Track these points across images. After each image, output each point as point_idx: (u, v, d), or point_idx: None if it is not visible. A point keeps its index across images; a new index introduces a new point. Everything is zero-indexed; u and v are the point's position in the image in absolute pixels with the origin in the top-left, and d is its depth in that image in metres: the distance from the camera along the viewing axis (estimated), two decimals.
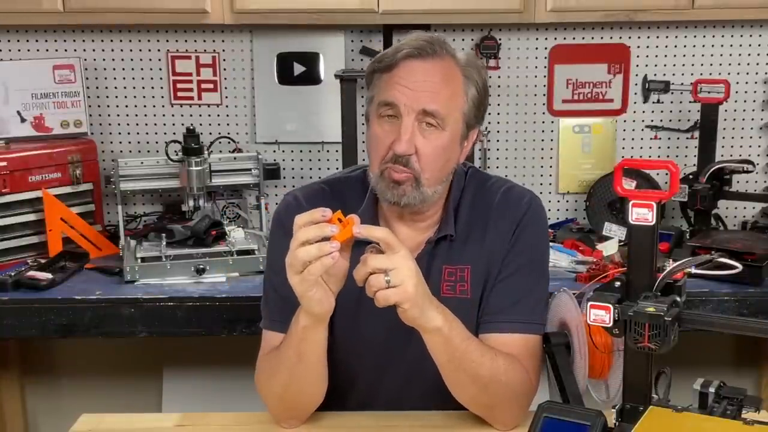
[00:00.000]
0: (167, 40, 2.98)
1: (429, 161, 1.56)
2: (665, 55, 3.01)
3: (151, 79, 3.01)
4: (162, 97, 3.02)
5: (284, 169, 3.00)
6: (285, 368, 1.57)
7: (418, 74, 1.55)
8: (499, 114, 3.05)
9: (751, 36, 2.99)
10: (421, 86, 1.55)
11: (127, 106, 3.03)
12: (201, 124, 3.00)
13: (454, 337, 1.50)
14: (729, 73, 3.00)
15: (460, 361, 1.52)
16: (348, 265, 1.46)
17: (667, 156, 3.06)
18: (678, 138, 3.06)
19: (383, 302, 1.41)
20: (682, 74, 3.01)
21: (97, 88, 3.00)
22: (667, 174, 1.24)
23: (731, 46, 3.00)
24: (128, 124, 3.04)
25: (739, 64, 3.01)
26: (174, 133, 2.99)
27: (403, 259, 1.40)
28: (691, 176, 2.75)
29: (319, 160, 3.06)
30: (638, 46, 3.01)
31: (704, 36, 2.99)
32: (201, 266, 2.49)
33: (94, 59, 2.98)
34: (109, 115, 3.03)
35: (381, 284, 1.39)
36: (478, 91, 1.61)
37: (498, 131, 3.06)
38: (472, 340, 1.54)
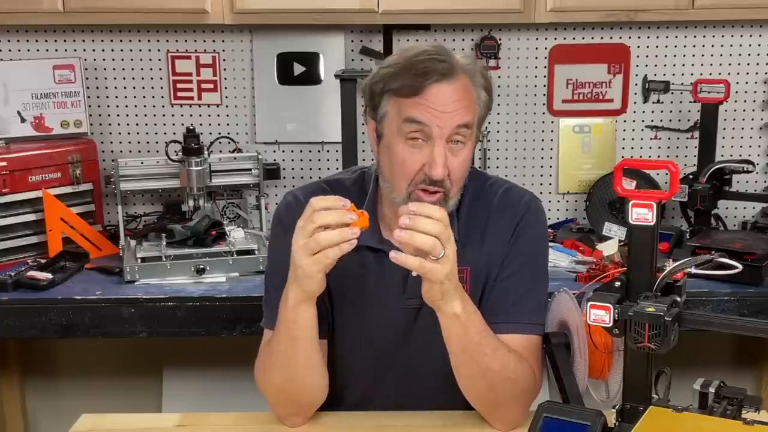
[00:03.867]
0: (167, 40, 2.98)
1: (458, 177, 1.58)
2: (665, 55, 3.01)
3: (151, 79, 3.01)
4: (162, 97, 3.02)
5: (284, 169, 3.00)
6: (281, 356, 1.57)
7: (446, 96, 1.53)
8: (499, 114, 3.04)
9: (751, 36, 2.99)
10: (452, 107, 1.53)
11: (127, 106, 3.03)
12: (201, 124, 3.00)
13: (470, 327, 1.50)
14: (729, 73, 3.00)
15: (473, 353, 1.52)
16: None
17: (667, 156, 3.06)
18: (678, 138, 3.06)
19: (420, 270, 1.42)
20: (682, 74, 3.01)
21: (97, 88, 3.00)
22: (667, 174, 1.24)
23: (731, 46, 3.00)
24: (128, 124, 3.04)
25: (739, 64, 3.01)
26: (174, 133, 2.99)
27: (452, 243, 1.42)
28: (691, 176, 2.75)
29: (319, 160, 3.06)
30: (638, 46, 3.01)
31: (704, 36, 2.99)
32: (201, 266, 2.49)
33: (94, 59, 2.98)
34: (109, 115, 3.03)
35: (436, 250, 1.39)
36: (488, 93, 1.62)
37: (498, 131, 3.06)
38: (488, 335, 1.54)
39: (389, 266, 1.63)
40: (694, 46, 3.00)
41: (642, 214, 1.22)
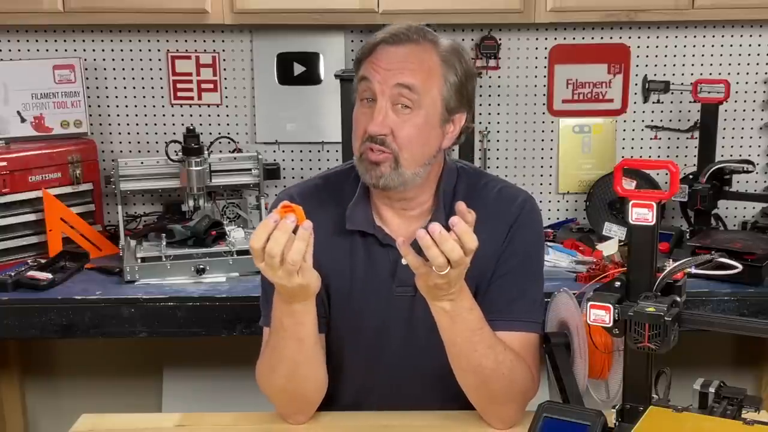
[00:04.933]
0: (167, 40, 2.98)
1: (406, 141, 1.57)
2: (665, 55, 3.01)
3: (151, 79, 3.01)
4: (162, 97, 3.02)
5: (284, 169, 3.00)
6: (286, 359, 1.57)
7: (392, 57, 1.58)
8: (499, 114, 3.05)
9: (751, 36, 2.99)
10: (396, 66, 1.57)
11: (127, 106, 3.03)
12: (201, 124, 3.00)
13: (459, 323, 1.50)
14: (729, 73, 3.00)
15: (462, 348, 1.52)
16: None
17: (667, 156, 3.06)
18: (678, 138, 3.06)
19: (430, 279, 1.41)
20: (682, 74, 3.01)
21: (97, 88, 3.00)
22: (667, 174, 1.24)
23: (731, 46, 3.00)
24: (128, 124, 3.04)
25: (739, 64, 3.01)
26: (174, 133, 2.99)
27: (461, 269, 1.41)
28: (691, 176, 2.75)
29: (319, 160, 3.06)
30: (638, 46, 3.01)
31: (704, 36, 2.99)
32: (201, 266, 2.49)
33: (94, 59, 2.98)
34: (109, 115, 3.03)
35: (442, 266, 1.38)
36: (459, 78, 1.61)
37: (498, 131, 3.06)
38: (482, 332, 1.53)
39: (379, 253, 1.64)
40: (694, 46, 3.00)
41: (642, 214, 1.22)
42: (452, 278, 1.41)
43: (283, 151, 3.06)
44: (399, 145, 1.57)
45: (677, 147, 3.06)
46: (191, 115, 3.03)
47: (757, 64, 3.01)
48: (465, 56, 1.64)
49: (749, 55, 3.00)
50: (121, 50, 2.98)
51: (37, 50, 2.95)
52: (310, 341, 1.56)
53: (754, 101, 3.03)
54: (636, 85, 3.03)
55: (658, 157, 3.06)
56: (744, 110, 3.03)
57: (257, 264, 1.42)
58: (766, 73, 3.02)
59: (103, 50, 2.98)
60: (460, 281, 1.44)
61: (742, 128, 3.05)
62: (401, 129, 1.57)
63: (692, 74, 2.99)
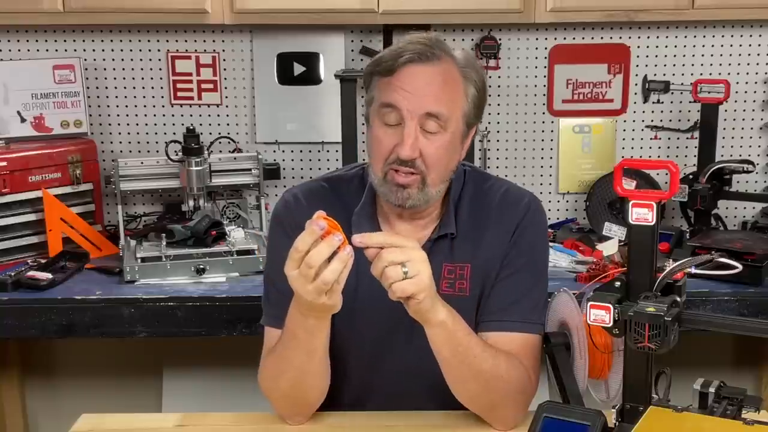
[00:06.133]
0: (167, 40, 2.98)
1: (434, 162, 1.57)
2: (665, 55, 3.01)
3: (151, 79, 3.01)
4: (162, 97, 3.02)
5: (284, 169, 3.00)
6: (294, 368, 1.57)
7: (419, 79, 1.55)
8: (499, 114, 3.05)
9: (751, 36, 2.99)
10: (423, 90, 1.55)
11: (127, 106, 3.03)
12: (201, 124, 3.00)
13: (457, 331, 1.50)
14: (729, 73, 3.00)
15: (464, 356, 1.52)
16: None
17: (667, 156, 3.06)
18: (678, 138, 3.06)
19: (400, 293, 1.41)
20: (682, 74, 3.01)
21: (97, 88, 3.00)
22: (667, 174, 1.24)
23: (731, 46, 3.00)
24: (128, 124, 3.04)
25: (739, 64, 3.01)
26: (174, 133, 2.99)
27: (416, 251, 1.41)
28: (691, 176, 2.75)
29: (319, 160, 3.06)
30: (638, 46, 3.01)
31: (704, 36, 3.00)
32: (201, 266, 2.49)
33: (94, 59, 2.98)
34: (109, 115, 3.03)
35: (398, 275, 1.39)
36: (478, 90, 1.61)
37: (498, 131, 3.06)
38: (474, 336, 1.55)
39: None
40: (694, 46, 3.00)
41: (642, 214, 1.22)
42: (423, 285, 1.41)
43: (283, 151, 3.06)
44: (427, 166, 1.56)
45: (677, 147, 3.06)
46: (191, 115, 3.03)
47: (757, 64, 3.01)
48: (478, 66, 1.64)
49: (749, 55, 3.00)
50: (121, 50, 2.98)
51: (37, 50, 2.95)
52: (319, 353, 1.55)
53: (754, 101, 3.03)
54: (636, 85, 3.04)
55: (658, 157, 3.06)
56: (744, 110, 3.03)
57: (289, 271, 1.40)
58: (766, 73, 3.02)
59: (103, 50, 2.98)
60: (431, 286, 1.43)
61: (742, 128, 3.05)
62: (429, 150, 1.56)
63: (692, 74, 2.99)
